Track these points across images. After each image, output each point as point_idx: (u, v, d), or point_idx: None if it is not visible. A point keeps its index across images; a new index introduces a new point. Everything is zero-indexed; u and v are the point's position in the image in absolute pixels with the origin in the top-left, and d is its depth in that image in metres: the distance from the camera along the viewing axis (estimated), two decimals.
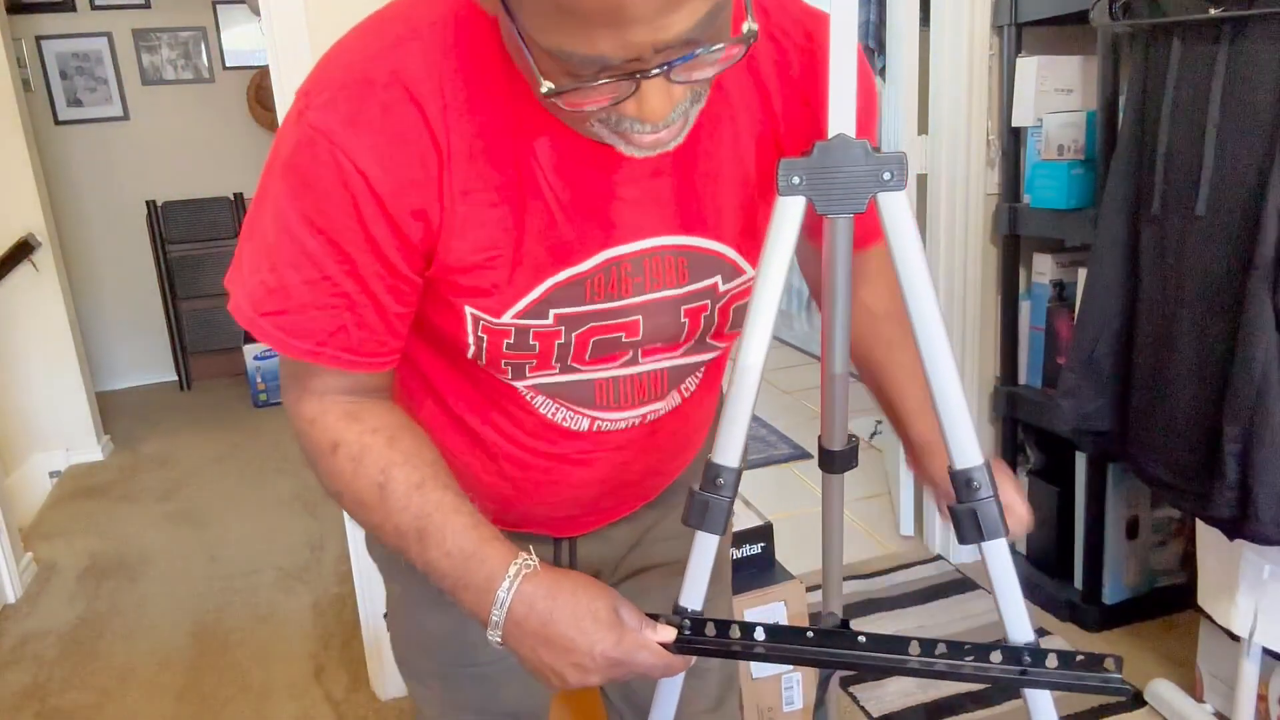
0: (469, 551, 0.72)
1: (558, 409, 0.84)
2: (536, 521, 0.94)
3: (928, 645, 0.73)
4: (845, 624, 0.80)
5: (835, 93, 0.66)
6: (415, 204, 0.68)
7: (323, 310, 0.71)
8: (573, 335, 0.77)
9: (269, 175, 0.71)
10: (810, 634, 0.76)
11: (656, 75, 0.58)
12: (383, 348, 0.75)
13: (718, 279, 0.80)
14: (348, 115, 0.66)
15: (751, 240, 0.80)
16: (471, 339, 0.76)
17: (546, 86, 0.59)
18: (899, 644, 0.74)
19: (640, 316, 0.79)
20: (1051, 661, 0.72)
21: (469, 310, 0.74)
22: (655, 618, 0.75)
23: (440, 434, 0.86)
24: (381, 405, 0.78)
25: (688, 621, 0.76)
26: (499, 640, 0.73)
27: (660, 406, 0.87)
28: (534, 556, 0.74)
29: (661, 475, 0.98)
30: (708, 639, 0.76)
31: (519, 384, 0.82)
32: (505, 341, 0.76)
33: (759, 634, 0.76)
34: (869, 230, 0.87)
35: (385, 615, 1.07)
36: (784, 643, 0.76)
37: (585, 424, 0.85)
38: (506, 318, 0.75)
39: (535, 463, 0.88)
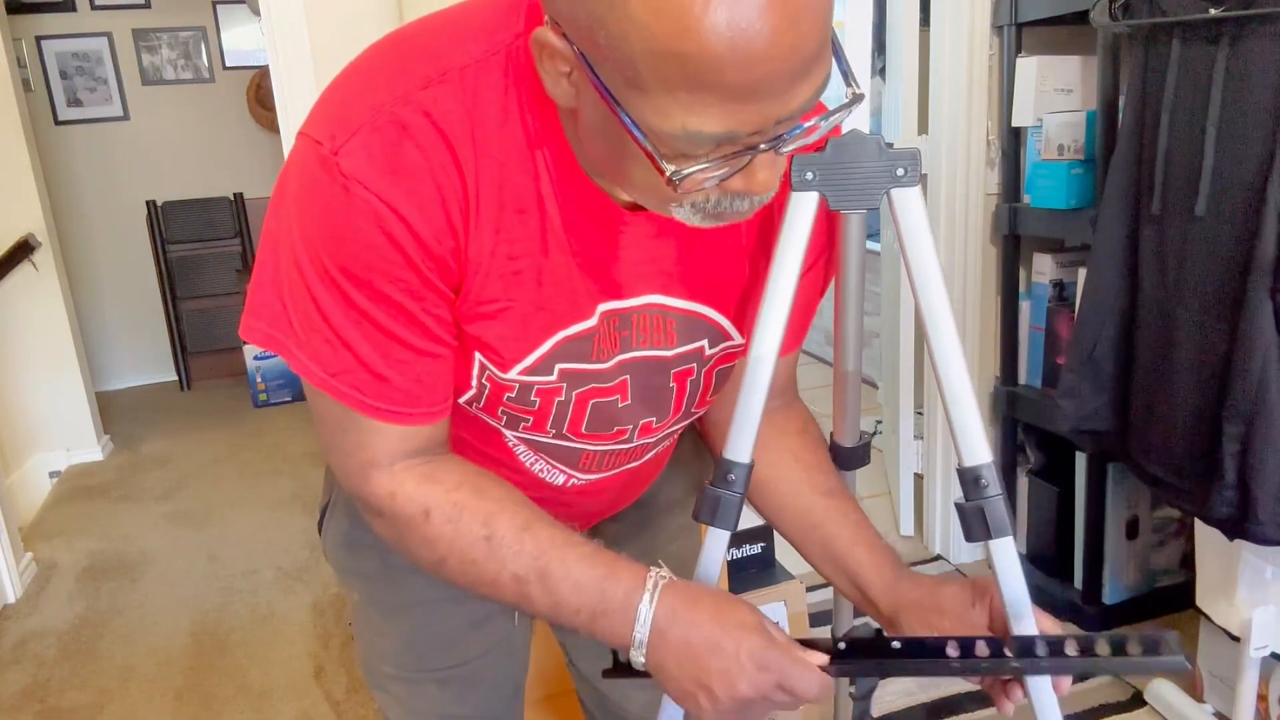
0: (600, 575, 0.71)
1: (537, 460, 0.84)
2: None
3: (967, 645, 0.71)
4: (879, 633, 0.78)
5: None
6: (451, 245, 0.67)
7: (391, 368, 0.69)
8: (573, 394, 0.77)
9: (294, 222, 0.66)
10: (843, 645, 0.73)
11: (767, 150, 0.58)
12: (445, 391, 0.74)
13: (704, 342, 0.80)
14: (384, 161, 0.62)
15: (741, 309, 0.80)
16: (475, 384, 0.75)
17: (671, 170, 0.57)
18: (937, 647, 0.72)
19: (628, 376, 0.78)
20: (1103, 649, 0.70)
21: (478, 356, 0.73)
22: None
23: None
24: (451, 460, 0.76)
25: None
26: (643, 663, 0.71)
27: (636, 464, 0.89)
28: (666, 570, 0.72)
29: (625, 501, 0.99)
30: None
31: (509, 433, 0.81)
32: (507, 395, 0.76)
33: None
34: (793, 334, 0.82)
35: (350, 624, 1.05)
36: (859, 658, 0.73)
37: (560, 479, 0.86)
38: (513, 374, 0.74)
39: None
